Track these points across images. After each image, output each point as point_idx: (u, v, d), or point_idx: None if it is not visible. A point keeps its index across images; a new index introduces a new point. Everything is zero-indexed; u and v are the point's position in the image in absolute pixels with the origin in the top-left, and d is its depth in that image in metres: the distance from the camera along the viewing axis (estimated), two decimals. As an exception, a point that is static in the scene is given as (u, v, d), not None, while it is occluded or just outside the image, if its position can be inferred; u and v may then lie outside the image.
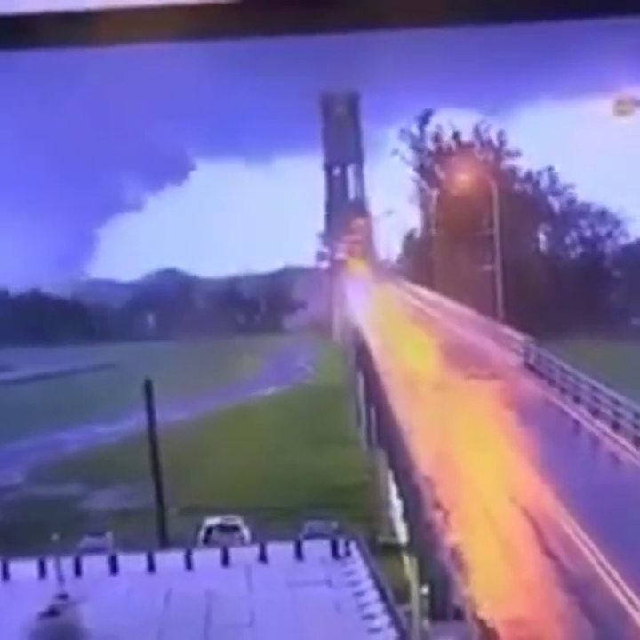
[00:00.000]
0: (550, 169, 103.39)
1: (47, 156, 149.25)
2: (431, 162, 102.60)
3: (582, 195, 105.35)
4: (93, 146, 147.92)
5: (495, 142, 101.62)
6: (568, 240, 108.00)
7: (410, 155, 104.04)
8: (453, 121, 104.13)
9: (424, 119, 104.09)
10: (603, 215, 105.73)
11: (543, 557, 18.38)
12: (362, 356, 49.23)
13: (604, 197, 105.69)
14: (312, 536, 22.01)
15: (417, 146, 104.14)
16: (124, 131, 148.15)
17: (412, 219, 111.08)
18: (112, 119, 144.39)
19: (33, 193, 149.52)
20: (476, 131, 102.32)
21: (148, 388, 31.99)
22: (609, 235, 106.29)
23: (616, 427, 27.03)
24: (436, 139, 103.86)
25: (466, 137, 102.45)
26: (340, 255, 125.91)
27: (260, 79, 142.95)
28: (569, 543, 18.81)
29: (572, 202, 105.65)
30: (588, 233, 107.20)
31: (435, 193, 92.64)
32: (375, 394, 38.28)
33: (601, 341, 75.99)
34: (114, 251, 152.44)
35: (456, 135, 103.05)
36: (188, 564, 18.25)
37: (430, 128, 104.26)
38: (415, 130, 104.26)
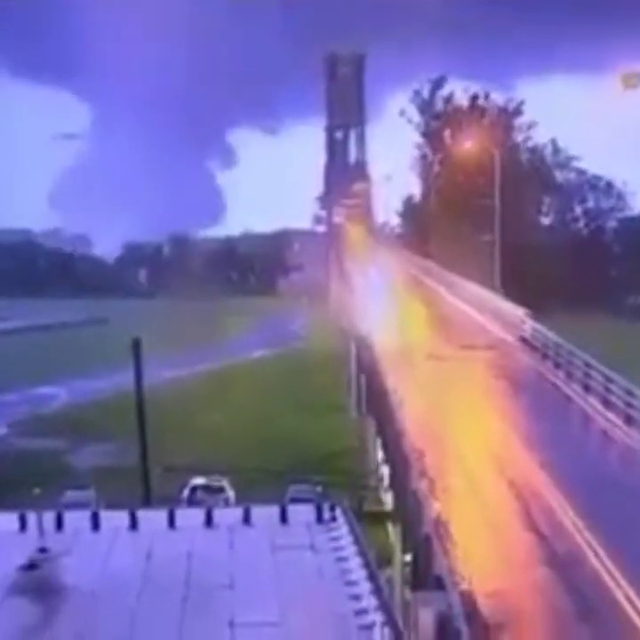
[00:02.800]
0: (555, 141, 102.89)
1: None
2: (436, 127, 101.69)
3: (588, 168, 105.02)
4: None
5: (502, 112, 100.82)
6: (569, 213, 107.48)
7: (417, 118, 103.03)
8: (460, 89, 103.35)
9: (437, 84, 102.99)
10: (607, 189, 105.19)
11: (527, 531, 18.34)
12: (355, 322, 49.01)
13: (609, 171, 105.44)
14: (297, 500, 21.93)
15: (425, 109, 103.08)
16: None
17: (413, 185, 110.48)
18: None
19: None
20: (484, 99, 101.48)
21: (136, 347, 31.78)
22: (612, 209, 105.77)
23: (607, 403, 26.93)
24: (445, 104, 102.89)
25: (473, 104, 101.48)
26: (339, 219, 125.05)
27: (265, 38, 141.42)
28: (554, 517, 18.76)
29: (576, 175, 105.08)
30: (590, 206, 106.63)
31: (437, 159, 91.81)
32: (367, 361, 38.13)
33: (598, 317, 75.93)
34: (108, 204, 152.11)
35: (463, 101, 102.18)
36: (171, 523, 18.04)
37: (441, 93, 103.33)
38: (426, 93, 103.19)
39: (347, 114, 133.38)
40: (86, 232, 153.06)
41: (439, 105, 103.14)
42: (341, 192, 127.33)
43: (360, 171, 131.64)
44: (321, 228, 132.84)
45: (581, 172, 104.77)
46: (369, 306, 50.09)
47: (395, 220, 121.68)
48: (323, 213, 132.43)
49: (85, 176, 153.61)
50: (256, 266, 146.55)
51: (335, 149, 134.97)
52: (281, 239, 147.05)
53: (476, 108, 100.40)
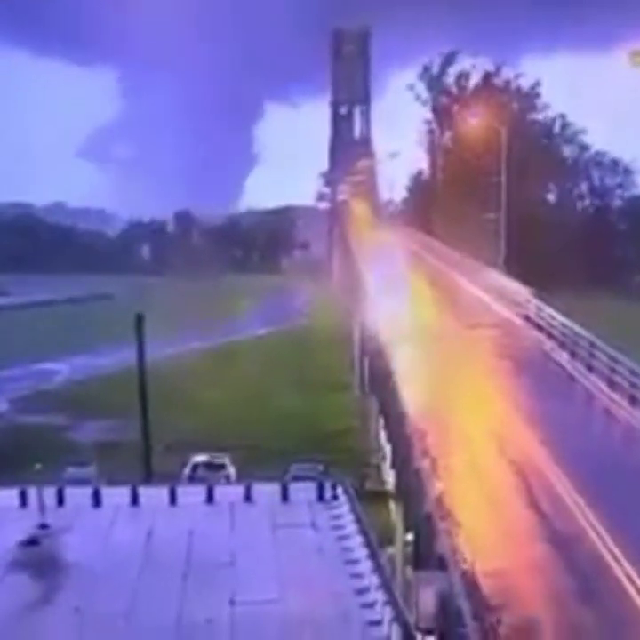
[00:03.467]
0: (563, 117, 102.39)
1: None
2: (444, 103, 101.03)
3: (595, 145, 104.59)
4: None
5: (509, 88, 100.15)
6: (576, 191, 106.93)
7: (425, 94, 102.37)
8: (466, 66, 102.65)
9: (446, 59, 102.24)
10: (614, 165, 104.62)
11: (528, 510, 18.27)
12: (359, 300, 48.87)
13: (616, 148, 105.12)
14: (299, 478, 21.90)
15: (433, 86, 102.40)
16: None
17: (418, 162, 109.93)
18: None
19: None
20: (491, 76, 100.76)
21: (138, 323, 31.64)
22: (619, 186, 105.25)
23: (612, 383, 26.82)
24: (454, 79, 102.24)
25: (480, 81, 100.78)
26: (343, 196, 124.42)
27: (272, 14, 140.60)
28: (555, 497, 18.70)
29: (583, 152, 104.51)
30: (597, 183, 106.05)
31: (444, 136, 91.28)
32: (371, 339, 38.01)
33: (603, 296, 75.67)
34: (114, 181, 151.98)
35: (472, 77, 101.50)
36: (172, 500, 18.01)
37: (449, 69, 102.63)
38: (435, 68, 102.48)
39: (352, 90, 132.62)
40: (98, 207, 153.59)
41: (448, 81, 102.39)
42: (346, 169, 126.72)
43: (365, 147, 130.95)
44: (324, 205, 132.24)
45: (587, 149, 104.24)
46: (373, 284, 49.87)
47: (399, 198, 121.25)
48: (326, 190, 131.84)
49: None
50: (260, 243, 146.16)
51: (340, 126, 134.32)
52: (284, 216, 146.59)
53: (486, 84, 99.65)
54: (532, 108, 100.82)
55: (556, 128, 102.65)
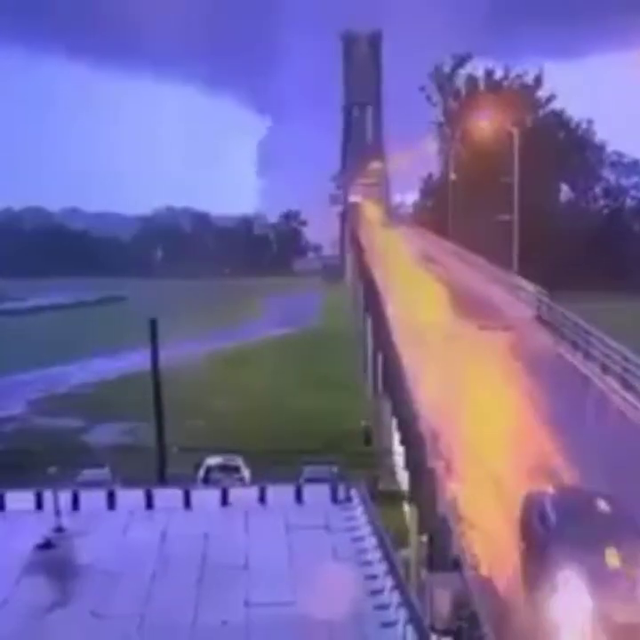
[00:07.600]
0: (576, 119, 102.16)
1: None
2: (455, 105, 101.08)
3: (609, 145, 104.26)
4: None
5: (522, 86, 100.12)
6: (589, 191, 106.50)
7: (436, 96, 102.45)
8: (478, 67, 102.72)
9: (459, 61, 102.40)
10: (630, 166, 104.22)
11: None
12: (372, 301, 48.80)
13: (631, 148, 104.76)
14: (312, 480, 21.90)
15: (444, 87, 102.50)
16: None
17: (430, 163, 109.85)
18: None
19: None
20: (504, 76, 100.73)
21: (152, 327, 31.78)
22: (634, 186, 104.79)
23: (625, 384, 26.69)
24: (465, 81, 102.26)
25: (491, 82, 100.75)
26: (355, 198, 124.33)
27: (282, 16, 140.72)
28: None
29: (597, 152, 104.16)
30: (611, 184, 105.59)
31: (456, 137, 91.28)
32: (383, 340, 37.96)
33: (617, 296, 75.30)
34: (126, 184, 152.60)
35: (482, 78, 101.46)
36: (187, 503, 18.05)
37: (461, 70, 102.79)
38: (447, 70, 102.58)
39: (363, 92, 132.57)
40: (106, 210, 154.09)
41: (459, 82, 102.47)
42: (358, 171, 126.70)
43: (376, 149, 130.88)
44: (338, 208, 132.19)
45: (602, 150, 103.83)
46: (384, 285, 49.79)
47: (411, 199, 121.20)
48: (339, 193, 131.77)
49: None
50: (272, 245, 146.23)
51: (351, 128, 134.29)
52: (296, 218, 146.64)
53: (496, 83, 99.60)
54: (546, 109, 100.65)
55: (571, 129, 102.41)
